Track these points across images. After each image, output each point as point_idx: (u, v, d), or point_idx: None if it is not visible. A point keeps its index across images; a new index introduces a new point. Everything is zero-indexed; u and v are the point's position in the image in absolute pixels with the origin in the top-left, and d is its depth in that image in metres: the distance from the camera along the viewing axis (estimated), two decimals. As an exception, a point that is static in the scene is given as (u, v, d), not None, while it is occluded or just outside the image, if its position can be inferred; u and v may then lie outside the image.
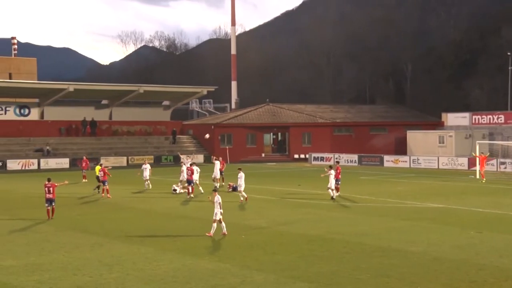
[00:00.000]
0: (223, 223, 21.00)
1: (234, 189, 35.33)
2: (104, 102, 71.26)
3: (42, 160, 57.95)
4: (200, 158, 65.45)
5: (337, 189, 33.22)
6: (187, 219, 25.20)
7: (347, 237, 20.81)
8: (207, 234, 20.89)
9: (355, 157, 61.65)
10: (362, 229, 22.33)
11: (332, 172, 31.62)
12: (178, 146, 68.79)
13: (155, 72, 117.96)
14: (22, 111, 65.23)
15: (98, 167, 35.44)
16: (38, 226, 23.71)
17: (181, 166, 36.11)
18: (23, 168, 56.49)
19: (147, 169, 37.00)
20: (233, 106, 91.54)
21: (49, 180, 26.17)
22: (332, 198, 31.34)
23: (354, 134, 71.06)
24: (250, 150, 68.58)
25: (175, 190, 34.98)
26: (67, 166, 57.34)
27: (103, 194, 33.53)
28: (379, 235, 21.16)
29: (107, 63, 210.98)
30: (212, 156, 38.56)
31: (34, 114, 65.74)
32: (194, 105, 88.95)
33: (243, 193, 30.72)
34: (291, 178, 45.66)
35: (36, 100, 67.47)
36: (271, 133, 71.56)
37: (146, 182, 36.95)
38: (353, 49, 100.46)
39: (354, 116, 75.23)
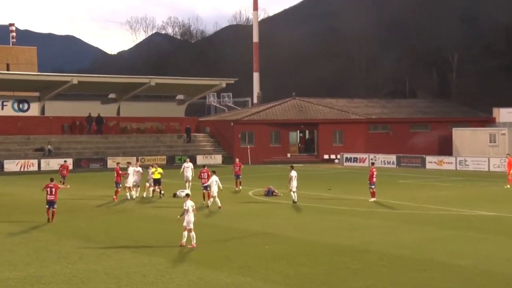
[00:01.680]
0: (193, 233, 21.06)
1: (270, 192, 35.52)
2: (112, 96, 71.80)
3: (42, 161, 58.63)
4: (218, 158, 65.67)
5: (372, 194, 33.25)
6: (202, 226, 25.26)
7: (384, 248, 20.69)
8: (180, 244, 21.03)
9: (393, 157, 61.30)
10: (401, 239, 22.18)
11: (293, 173, 32.26)
12: (194, 145, 69.06)
13: (168, 63, 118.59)
14: (20, 106, 65.99)
15: (156, 170, 34.86)
16: (38, 234, 23.97)
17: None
18: (22, 169, 57.21)
19: (138, 173, 35.25)
20: (255, 100, 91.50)
21: (51, 180, 27.07)
22: (293, 201, 32.09)
23: (391, 132, 70.63)
24: (274, 150, 68.55)
25: (175, 194, 35.04)
26: (70, 167, 57.65)
27: (114, 197, 33.95)
28: (420, 246, 21.01)
29: (115, 53, 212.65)
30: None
31: (34, 110, 66.47)
32: (212, 100, 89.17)
33: (217, 199, 30.88)
34: (320, 182, 45.55)
35: (37, 93, 68.20)
36: (298, 131, 71.43)
37: (132, 193, 34.55)
38: (390, 36, 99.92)
39: (391, 111, 74.76)
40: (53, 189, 26.52)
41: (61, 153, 61.59)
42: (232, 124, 69.19)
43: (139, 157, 62.06)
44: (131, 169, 35.00)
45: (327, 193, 37.45)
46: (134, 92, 70.01)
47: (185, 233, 21.08)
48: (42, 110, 67.06)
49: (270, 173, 54.52)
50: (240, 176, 39.43)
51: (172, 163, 62.44)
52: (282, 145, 69.44)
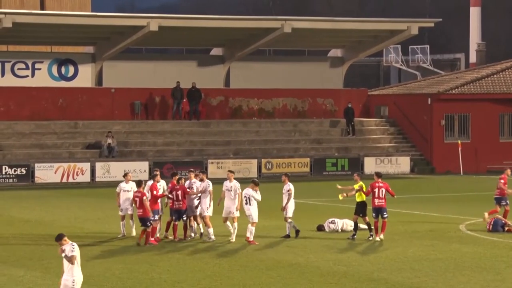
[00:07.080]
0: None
1: (498, 226, 35.30)
2: (216, 52, 72.85)
3: (98, 165, 59.96)
4: (403, 163, 64.84)
5: None
6: (370, 283, 25.01)
7: None
8: None
9: None
10: None
11: (290, 187, 34.04)
12: (360, 140, 68.62)
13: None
14: (63, 70, 67.67)
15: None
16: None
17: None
18: (65, 179, 58.68)
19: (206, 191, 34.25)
20: (472, 59, 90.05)
21: (179, 180, 32.66)
22: (287, 235, 34.28)
23: None
24: (508, 148, 67.26)
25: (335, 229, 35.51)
26: (145, 176, 58.61)
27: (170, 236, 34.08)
28: None
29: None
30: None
31: (84, 76, 68.16)
32: (392, 57, 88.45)
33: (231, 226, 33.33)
34: None
35: (90, 49, 70.32)
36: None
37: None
38: None
39: None
40: (180, 192, 32.46)
41: (129, 152, 62.91)
42: (429, 101, 68.45)
43: (263, 160, 62.20)
44: (203, 184, 34.09)
45: None
46: (256, 45, 70.54)
47: None
48: (99, 78, 68.77)
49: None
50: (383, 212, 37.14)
51: (321, 172, 62.40)
52: (523, 141, 68.24)
